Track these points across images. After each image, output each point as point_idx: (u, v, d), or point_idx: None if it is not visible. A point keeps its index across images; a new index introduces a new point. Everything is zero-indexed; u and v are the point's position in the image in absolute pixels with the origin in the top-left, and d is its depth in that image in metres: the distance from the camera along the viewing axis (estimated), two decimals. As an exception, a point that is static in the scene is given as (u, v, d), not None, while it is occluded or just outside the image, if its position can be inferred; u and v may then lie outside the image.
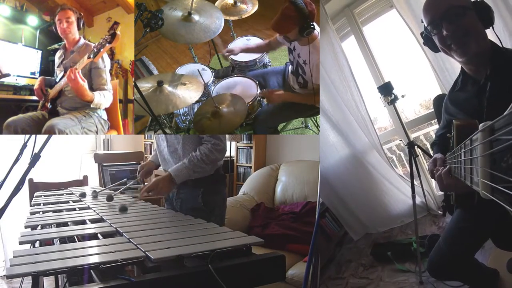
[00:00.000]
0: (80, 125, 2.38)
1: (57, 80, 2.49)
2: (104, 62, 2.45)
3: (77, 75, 2.21)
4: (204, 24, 2.38)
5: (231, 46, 2.55)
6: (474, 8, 1.36)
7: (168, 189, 1.98)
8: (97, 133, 2.49)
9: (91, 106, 2.40)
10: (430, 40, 1.46)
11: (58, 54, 2.62)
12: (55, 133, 2.23)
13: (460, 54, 1.38)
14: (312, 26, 1.99)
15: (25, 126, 2.37)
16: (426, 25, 1.45)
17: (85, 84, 2.28)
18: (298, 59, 2.17)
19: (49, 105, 2.49)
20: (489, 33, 1.41)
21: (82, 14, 2.52)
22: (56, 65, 2.61)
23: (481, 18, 1.36)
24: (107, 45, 2.15)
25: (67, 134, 2.29)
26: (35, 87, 2.55)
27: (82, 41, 2.54)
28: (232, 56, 2.56)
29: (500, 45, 1.40)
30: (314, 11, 2.00)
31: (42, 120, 2.46)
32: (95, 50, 2.18)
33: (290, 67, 2.33)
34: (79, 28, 2.51)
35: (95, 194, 2.52)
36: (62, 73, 2.46)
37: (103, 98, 2.42)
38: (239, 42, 2.65)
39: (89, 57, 2.19)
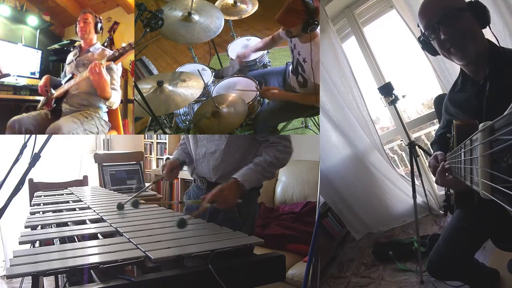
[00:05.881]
0: (82, 127, 2.40)
1: (63, 81, 2.51)
2: (117, 66, 2.51)
3: (102, 69, 2.24)
4: (204, 24, 2.38)
5: (240, 52, 2.48)
6: (469, 8, 1.35)
7: (235, 198, 1.64)
8: (97, 134, 2.51)
9: (106, 104, 2.44)
10: (428, 44, 1.46)
11: (72, 52, 2.68)
12: None
13: (460, 57, 1.38)
14: (316, 23, 1.98)
15: (29, 126, 2.39)
16: (423, 30, 1.45)
17: (108, 79, 2.32)
18: (298, 57, 2.16)
19: (53, 103, 2.51)
20: (486, 32, 1.41)
21: (101, 18, 2.58)
22: (67, 62, 2.64)
23: (477, 19, 1.35)
24: (131, 50, 2.19)
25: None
26: (40, 84, 2.57)
27: (99, 45, 2.62)
28: (232, 56, 2.56)
29: (498, 45, 1.40)
30: (318, 8, 1.99)
31: (45, 120, 2.47)
32: (116, 54, 2.22)
33: (290, 67, 2.32)
34: (97, 32, 2.59)
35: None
36: (71, 74, 2.49)
37: (117, 98, 2.46)
38: (240, 42, 2.65)
39: (109, 60, 2.23)
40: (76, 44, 2.70)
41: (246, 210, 1.81)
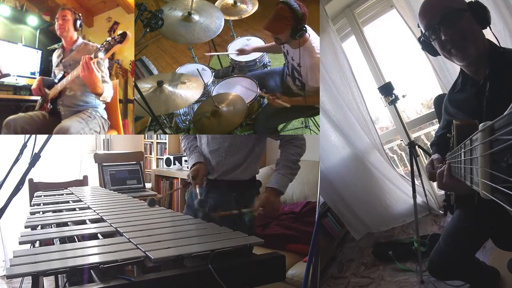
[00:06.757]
0: (88, 127, 2.39)
1: (56, 80, 2.48)
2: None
3: (92, 65, 2.17)
4: (204, 24, 2.38)
5: (242, 47, 2.48)
6: (469, 9, 1.35)
7: (280, 204, 1.86)
8: (99, 133, 2.49)
9: (100, 99, 2.39)
10: (429, 45, 1.46)
11: (56, 53, 2.61)
12: None
13: (461, 58, 1.37)
14: (304, 29, 1.99)
15: (25, 125, 2.37)
16: (423, 31, 1.45)
17: (99, 75, 2.26)
18: (293, 62, 2.17)
19: (49, 105, 2.49)
20: (486, 32, 1.41)
21: (80, 15, 2.53)
22: (54, 64, 2.61)
23: (477, 19, 1.35)
24: (117, 45, 2.13)
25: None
26: (33, 86, 2.55)
27: (80, 40, 2.55)
28: (232, 56, 2.56)
29: (498, 45, 1.40)
30: (306, 14, 1.99)
31: (42, 120, 2.45)
32: (103, 50, 2.16)
33: (286, 70, 2.33)
34: (76, 29, 2.52)
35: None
36: (62, 73, 2.46)
37: (109, 92, 2.42)
38: (240, 43, 2.65)
39: (96, 56, 2.18)
40: (61, 43, 2.64)
41: (245, 207, 1.82)
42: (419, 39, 1.50)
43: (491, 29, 1.39)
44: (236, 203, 1.81)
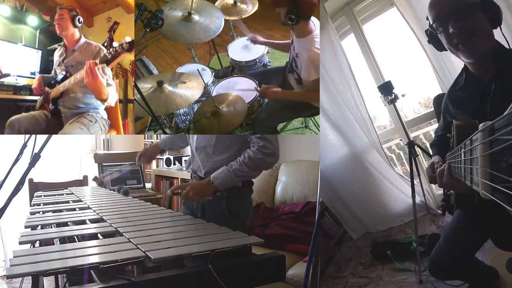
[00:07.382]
0: (89, 132, 2.38)
1: (58, 79, 2.48)
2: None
3: (96, 71, 2.12)
4: (204, 24, 2.38)
5: (256, 36, 2.47)
6: (482, 6, 1.33)
7: (203, 194, 1.81)
8: (101, 134, 2.49)
9: (105, 104, 2.37)
10: (435, 38, 1.42)
11: (58, 52, 2.59)
12: None
13: (468, 55, 1.34)
14: (294, 15, 1.95)
15: (28, 125, 2.37)
16: (431, 22, 1.41)
17: (104, 81, 2.21)
18: (293, 52, 2.16)
19: (51, 105, 2.49)
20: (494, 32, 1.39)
21: (77, 11, 2.49)
22: (55, 64, 2.60)
23: (489, 17, 1.33)
24: (125, 53, 2.09)
25: None
26: (34, 85, 2.54)
27: (83, 40, 2.53)
28: (232, 56, 2.56)
29: (508, 46, 1.38)
30: (309, 3, 1.95)
31: (45, 120, 2.46)
32: (109, 57, 2.11)
33: (289, 64, 2.32)
34: (75, 26, 2.48)
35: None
36: (64, 73, 2.45)
37: (113, 96, 2.39)
38: (240, 43, 2.65)
39: (102, 62, 2.13)
40: (62, 42, 2.62)
41: (237, 207, 1.86)
42: (426, 31, 1.48)
43: (501, 30, 1.37)
44: (227, 203, 1.84)
